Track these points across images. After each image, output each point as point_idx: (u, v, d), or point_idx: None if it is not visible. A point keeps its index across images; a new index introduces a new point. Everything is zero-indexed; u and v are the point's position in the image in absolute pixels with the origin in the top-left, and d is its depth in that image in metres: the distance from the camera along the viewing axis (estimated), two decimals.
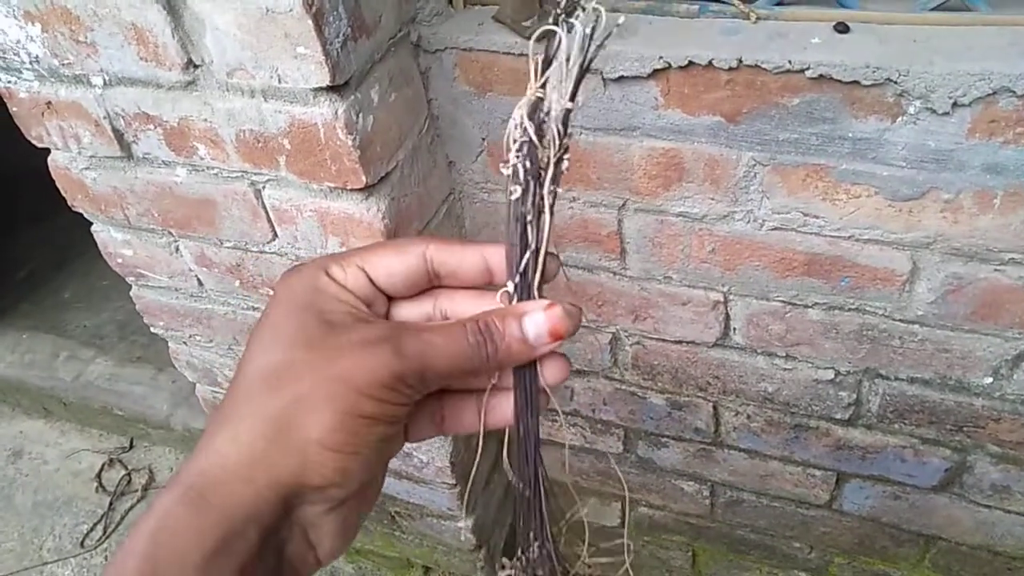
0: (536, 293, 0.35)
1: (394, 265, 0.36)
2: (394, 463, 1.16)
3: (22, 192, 2.19)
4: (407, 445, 1.16)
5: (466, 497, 1.19)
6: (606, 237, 0.88)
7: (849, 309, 0.84)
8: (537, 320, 0.34)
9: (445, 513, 1.25)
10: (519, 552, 0.48)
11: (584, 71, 0.33)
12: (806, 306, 0.86)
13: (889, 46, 0.65)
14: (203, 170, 0.80)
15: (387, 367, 0.32)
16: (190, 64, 0.69)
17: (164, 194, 0.85)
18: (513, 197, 0.35)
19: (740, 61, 0.68)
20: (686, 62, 0.69)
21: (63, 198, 0.92)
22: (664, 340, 0.98)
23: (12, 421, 2.05)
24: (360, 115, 0.70)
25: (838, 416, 0.97)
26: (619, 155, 0.79)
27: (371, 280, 0.36)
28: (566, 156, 0.34)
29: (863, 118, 0.68)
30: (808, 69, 0.66)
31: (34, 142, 0.85)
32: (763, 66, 0.67)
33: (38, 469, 1.92)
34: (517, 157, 0.34)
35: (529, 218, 0.34)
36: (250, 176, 0.79)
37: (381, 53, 0.72)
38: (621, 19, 0.37)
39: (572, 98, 0.33)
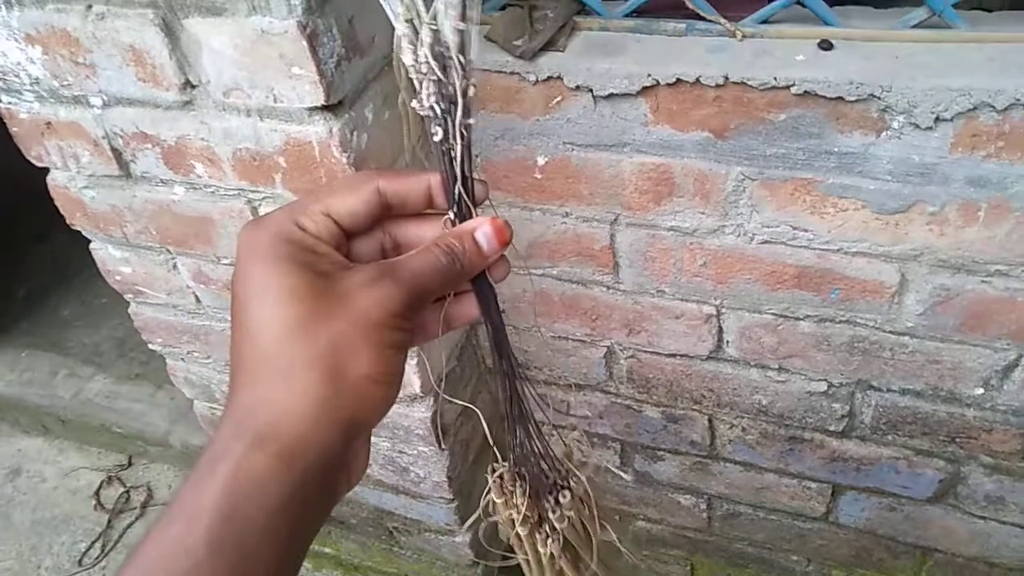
0: (475, 213, 0.40)
1: (354, 205, 0.38)
2: (391, 478, 1.17)
3: (21, 211, 2.20)
4: (404, 460, 1.16)
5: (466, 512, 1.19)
6: (599, 251, 0.89)
7: (840, 321, 0.85)
8: (486, 232, 0.39)
9: (443, 528, 1.25)
10: (509, 452, 0.52)
11: None
12: (797, 318, 0.87)
13: (872, 62, 0.66)
14: (200, 188, 0.82)
15: (396, 299, 0.35)
16: (187, 84, 0.70)
17: (162, 212, 0.86)
18: (436, 139, 0.38)
19: (727, 78, 0.69)
20: (674, 79, 0.71)
21: (62, 217, 0.94)
22: (658, 353, 0.99)
23: (11, 439, 2.05)
24: (354, 133, 0.71)
25: (832, 428, 0.98)
26: (610, 170, 0.81)
27: (336, 223, 0.38)
28: (472, 84, 0.37)
29: (848, 133, 0.69)
30: (793, 85, 0.67)
31: (34, 161, 0.86)
32: (749, 83, 0.68)
33: (36, 487, 1.92)
34: (429, 97, 0.37)
35: (453, 153, 0.38)
36: (247, 194, 0.80)
37: (375, 72, 0.73)
38: None
39: (463, 18, 0.34)
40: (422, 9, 0.35)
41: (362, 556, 1.47)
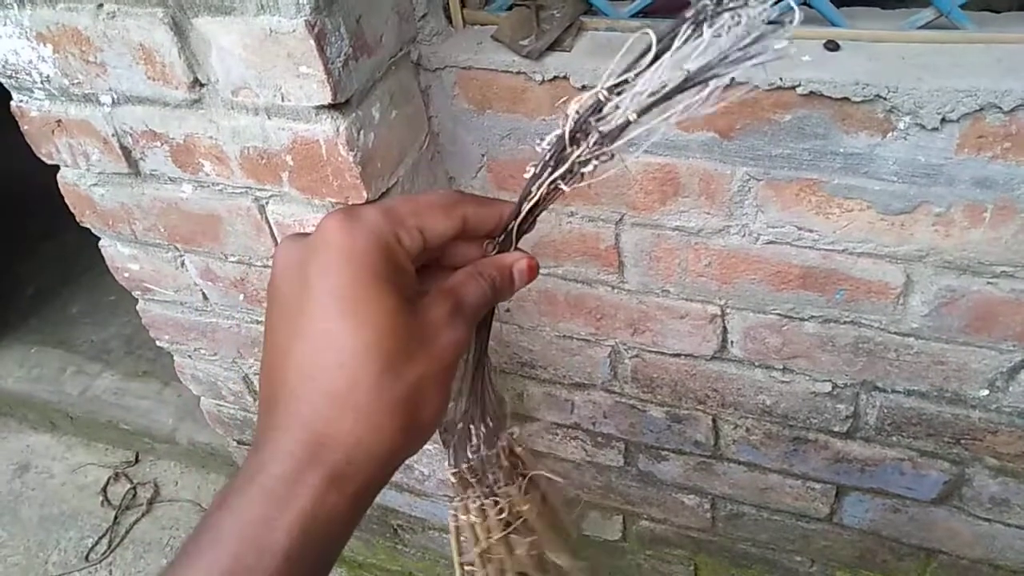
0: (515, 242, 0.42)
1: (445, 229, 0.38)
2: (396, 476, 1.17)
3: (30, 210, 2.22)
4: (409, 457, 1.16)
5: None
6: (604, 251, 0.90)
7: (845, 322, 0.85)
8: (521, 269, 0.42)
9: (447, 526, 1.25)
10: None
11: (684, 89, 0.31)
12: (802, 319, 0.87)
13: (878, 63, 0.67)
14: (208, 186, 0.82)
15: (464, 339, 0.37)
16: (196, 83, 0.71)
17: (170, 210, 0.87)
18: (526, 174, 0.39)
19: (733, 78, 0.69)
20: None
21: (70, 215, 0.94)
22: (663, 353, 0.99)
23: (19, 435, 2.07)
24: (361, 132, 0.71)
25: (836, 429, 0.98)
26: (616, 170, 0.81)
27: (424, 242, 0.38)
28: (593, 163, 0.36)
29: (854, 133, 0.69)
30: (799, 86, 0.67)
31: (44, 159, 0.87)
32: (755, 83, 0.69)
33: (44, 483, 1.93)
34: (547, 145, 0.37)
35: (532, 194, 0.39)
36: (254, 192, 0.81)
37: (382, 72, 0.73)
38: (786, 43, 0.30)
39: (641, 114, 0.33)
40: (614, 80, 0.33)
41: (367, 554, 1.47)
